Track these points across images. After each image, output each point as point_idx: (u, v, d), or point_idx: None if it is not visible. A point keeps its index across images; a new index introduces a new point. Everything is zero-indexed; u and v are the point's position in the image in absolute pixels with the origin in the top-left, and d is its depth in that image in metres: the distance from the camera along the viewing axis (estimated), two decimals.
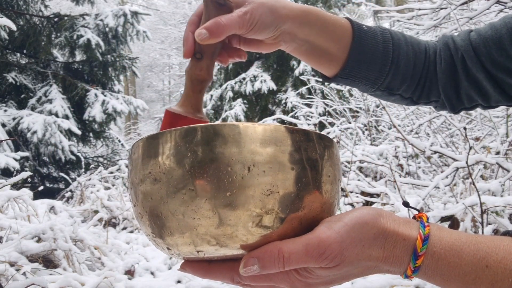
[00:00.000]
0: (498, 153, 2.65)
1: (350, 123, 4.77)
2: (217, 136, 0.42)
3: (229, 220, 0.42)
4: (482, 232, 1.86)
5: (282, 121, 6.91)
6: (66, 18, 7.02)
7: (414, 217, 0.47)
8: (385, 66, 0.65)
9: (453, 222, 2.13)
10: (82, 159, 6.73)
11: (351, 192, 2.93)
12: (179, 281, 2.25)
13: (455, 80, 0.68)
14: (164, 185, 0.43)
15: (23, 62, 7.10)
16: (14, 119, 5.92)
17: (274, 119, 4.83)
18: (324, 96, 7.96)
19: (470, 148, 2.06)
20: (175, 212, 0.43)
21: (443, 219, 2.13)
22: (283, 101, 9.67)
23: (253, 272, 0.42)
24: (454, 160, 2.47)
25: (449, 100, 0.70)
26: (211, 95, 10.82)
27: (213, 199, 0.41)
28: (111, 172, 5.15)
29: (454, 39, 0.69)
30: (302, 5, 0.60)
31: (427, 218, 0.46)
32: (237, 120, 9.32)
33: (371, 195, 2.96)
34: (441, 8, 2.79)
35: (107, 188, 4.60)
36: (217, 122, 0.43)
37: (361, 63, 0.64)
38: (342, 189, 2.77)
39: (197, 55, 0.56)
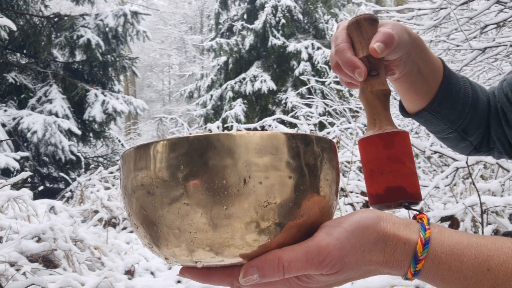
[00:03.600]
0: None
1: (350, 123, 4.77)
2: (211, 147, 0.40)
3: (226, 233, 0.41)
4: (482, 232, 1.86)
5: (282, 121, 6.91)
6: (66, 18, 7.02)
7: (414, 218, 0.47)
8: (465, 107, 0.70)
9: (453, 222, 2.12)
10: (82, 159, 6.73)
11: (351, 192, 2.93)
12: (179, 281, 2.25)
13: (501, 126, 0.73)
14: (157, 198, 0.41)
15: (23, 62, 7.10)
16: (14, 119, 5.92)
17: (274, 119, 4.82)
18: (324, 96, 7.95)
19: None
20: (170, 226, 0.42)
21: (443, 219, 2.13)
22: (283, 101, 9.67)
23: (253, 281, 0.42)
24: (454, 160, 2.46)
25: (502, 146, 0.74)
26: (211, 95, 10.80)
27: (209, 213, 0.40)
28: (111, 172, 5.14)
29: (495, 89, 0.75)
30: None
31: (428, 220, 0.45)
32: (237, 120, 9.31)
33: None
34: (441, 8, 2.78)
35: (107, 188, 4.60)
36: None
37: (447, 100, 0.69)
38: (342, 189, 2.77)
39: (373, 72, 0.55)
